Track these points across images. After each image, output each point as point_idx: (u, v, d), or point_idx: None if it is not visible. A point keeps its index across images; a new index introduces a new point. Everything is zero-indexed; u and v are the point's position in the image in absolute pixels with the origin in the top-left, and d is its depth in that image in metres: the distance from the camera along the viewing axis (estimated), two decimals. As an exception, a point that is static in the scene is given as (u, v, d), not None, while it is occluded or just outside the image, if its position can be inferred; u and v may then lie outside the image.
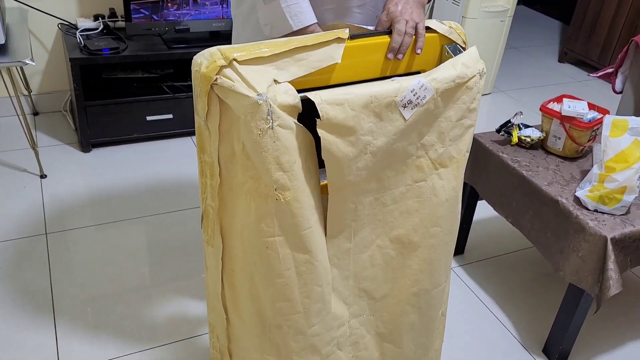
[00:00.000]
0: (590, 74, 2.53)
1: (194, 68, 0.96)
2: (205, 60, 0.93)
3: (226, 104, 0.96)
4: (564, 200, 1.58)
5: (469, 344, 1.74)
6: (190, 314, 1.73)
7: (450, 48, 1.16)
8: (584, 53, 3.87)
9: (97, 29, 2.46)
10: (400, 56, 1.12)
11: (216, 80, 0.92)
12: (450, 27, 1.18)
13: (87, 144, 2.45)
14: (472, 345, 1.74)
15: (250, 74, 0.93)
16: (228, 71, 0.93)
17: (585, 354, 1.74)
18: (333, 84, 1.06)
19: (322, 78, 1.05)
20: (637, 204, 1.59)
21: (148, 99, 2.46)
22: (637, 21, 3.49)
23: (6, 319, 1.65)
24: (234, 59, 0.93)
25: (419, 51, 1.13)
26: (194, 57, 0.96)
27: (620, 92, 2.33)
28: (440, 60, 1.18)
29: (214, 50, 0.94)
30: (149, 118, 2.50)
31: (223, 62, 0.92)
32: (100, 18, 2.50)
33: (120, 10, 2.53)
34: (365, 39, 1.10)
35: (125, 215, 2.11)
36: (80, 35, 2.39)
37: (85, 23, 2.47)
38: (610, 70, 2.31)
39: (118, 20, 2.54)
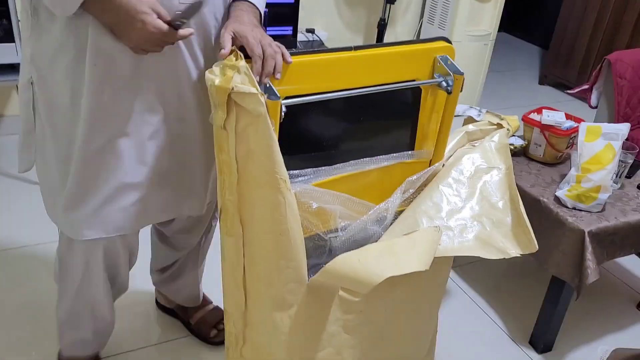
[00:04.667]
0: (568, 91, 2.73)
1: (208, 83, 1.07)
2: (218, 74, 1.06)
3: (241, 107, 1.08)
4: (545, 200, 1.73)
5: (460, 338, 1.86)
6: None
7: (442, 59, 1.31)
8: (562, 76, 4.09)
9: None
10: (265, 79, 1.09)
11: (233, 88, 1.04)
12: (502, 119, 1.44)
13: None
14: (464, 339, 1.86)
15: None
16: (238, 78, 1.05)
17: (568, 344, 1.87)
18: (325, 91, 1.17)
19: (315, 86, 1.16)
20: (612, 203, 1.74)
21: None
22: (611, 45, 3.72)
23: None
24: (240, 67, 1.06)
25: (289, 60, 1.11)
26: (206, 74, 1.07)
27: (596, 107, 2.52)
28: (433, 70, 1.33)
29: (221, 65, 1.07)
30: None
31: (233, 72, 1.05)
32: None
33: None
34: (367, 50, 1.22)
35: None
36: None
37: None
38: (585, 87, 2.50)
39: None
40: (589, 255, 1.59)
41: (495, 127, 1.49)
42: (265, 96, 1.04)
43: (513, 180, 1.34)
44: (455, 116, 1.46)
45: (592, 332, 1.94)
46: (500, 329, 1.91)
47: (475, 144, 1.47)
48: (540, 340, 1.82)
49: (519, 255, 1.25)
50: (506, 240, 1.27)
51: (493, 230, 1.27)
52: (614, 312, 2.04)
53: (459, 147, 1.49)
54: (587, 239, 1.60)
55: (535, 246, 1.25)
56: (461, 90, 1.32)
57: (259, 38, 1.10)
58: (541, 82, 4.26)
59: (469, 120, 1.62)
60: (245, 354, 1.34)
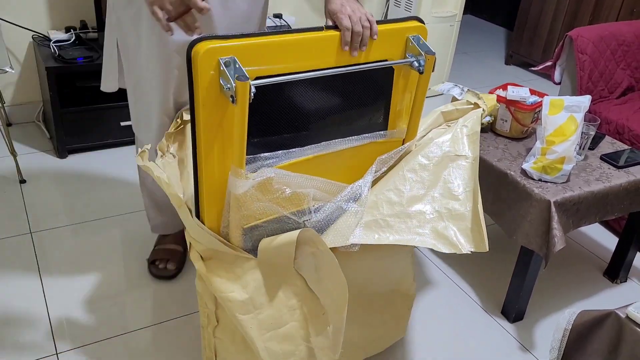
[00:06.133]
0: (532, 68, 2.78)
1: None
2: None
3: None
4: (512, 173, 1.77)
5: (434, 311, 1.90)
6: (177, 296, 1.84)
7: (414, 39, 1.30)
8: (527, 55, 4.16)
9: (69, 40, 2.57)
10: (354, 53, 1.21)
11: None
12: (480, 98, 1.45)
13: (63, 150, 2.54)
14: (437, 312, 1.90)
15: None
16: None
17: (539, 312, 1.93)
18: (295, 72, 1.17)
19: (285, 66, 1.16)
20: (576, 174, 1.80)
21: (121, 105, 2.57)
22: (573, 23, 3.79)
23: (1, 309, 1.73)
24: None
25: (375, 37, 1.23)
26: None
27: (560, 83, 2.58)
28: (405, 50, 1.31)
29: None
30: (122, 124, 2.61)
31: None
32: (71, 30, 2.60)
33: (91, 22, 2.64)
34: (333, 31, 1.21)
35: (105, 213, 2.21)
36: (54, 45, 2.49)
37: (58, 35, 2.57)
38: (549, 63, 2.55)
39: (89, 32, 2.64)
40: (555, 224, 1.64)
41: (472, 106, 1.50)
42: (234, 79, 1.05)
43: (477, 173, 1.35)
44: (439, 95, 1.47)
45: (562, 300, 2.00)
46: (473, 300, 1.96)
47: (451, 124, 1.49)
48: (512, 309, 1.88)
49: (469, 253, 1.27)
50: (461, 235, 1.29)
51: (449, 223, 1.29)
52: (581, 280, 2.11)
53: (434, 127, 1.49)
54: (553, 209, 1.64)
55: (486, 247, 1.27)
56: (433, 70, 1.33)
57: (348, 13, 1.20)
58: (507, 62, 4.32)
59: (454, 99, 1.62)
60: (218, 335, 1.35)
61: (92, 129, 2.56)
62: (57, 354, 1.61)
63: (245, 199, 1.14)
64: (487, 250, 1.24)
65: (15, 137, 2.65)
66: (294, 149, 1.24)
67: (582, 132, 1.78)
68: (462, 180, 1.32)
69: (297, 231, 1.19)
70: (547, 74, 2.66)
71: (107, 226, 2.14)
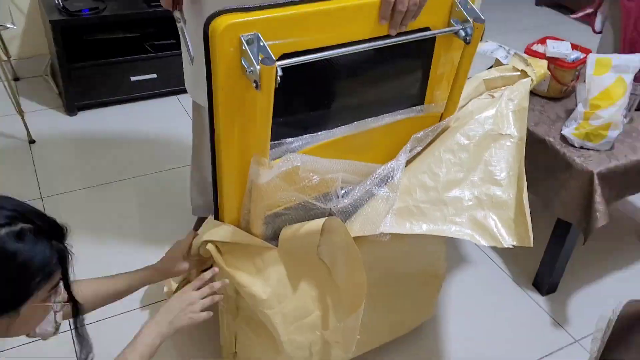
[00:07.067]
0: (571, 15, 2.57)
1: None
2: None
3: None
4: (551, 139, 1.63)
5: (463, 282, 1.82)
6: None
7: (461, 2, 1.11)
8: (560, -5, 3.90)
9: (73, -11, 2.41)
10: (392, 31, 1.04)
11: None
12: (528, 65, 1.28)
13: (72, 107, 2.43)
14: (467, 283, 1.82)
15: None
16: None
17: (573, 284, 1.84)
18: (326, 46, 1.00)
19: (315, 39, 1.00)
20: (621, 140, 1.65)
21: (131, 59, 2.44)
22: (612, -39, 3.51)
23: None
24: None
25: (414, 19, 1.05)
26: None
27: (600, 32, 2.38)
28: (450, 17, 1.13)
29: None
30: (133, 78, 2.48)
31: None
32: (76, -22, 2.44)
33: (96, -31, 2.47)
34: None
35: (117, 176, 2.12)
36: (58, -4, 2.33)
37: (61, -17, 2.41)
38: (589, 10, 2.34)
39: (94, -21, 2.48)
40: (598, 197, 1.52)
41: (518, 74, 1.33)
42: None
43: (522, 155, 1.19)
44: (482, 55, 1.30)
45: (597, 271, 1.90)
46: (504, 272, 1.87)
47: (495, 94, 1.33)
48: (545, 282, 1.79)
49: (511, 247, 1.14)
50: (502, 227, 1.16)
51: (490, 212, 1.16)
52: (620, 248, 2.00)
53: (474, 96, 1.34)
54: (596, 181, 1.52)
55: (531, 242, 1.14)
56: (481, 39, 1.16)
57: None
58: (538, 3, 4.06)
59: (498, 63, 1.45)
60: (239, 321, 1.29)
61: (102, 84, 2.44)
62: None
63: (268, 188, 1.04)
64: (532, 245, 1.12)
65: (23, 93, 2.55)
66: (321, 132, 1.10)
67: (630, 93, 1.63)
68: (505, 162, 1.19)
69: (322, 220, 1.09)
70: (586, 21, 2.45)
71: (122, 188, 2.06)
